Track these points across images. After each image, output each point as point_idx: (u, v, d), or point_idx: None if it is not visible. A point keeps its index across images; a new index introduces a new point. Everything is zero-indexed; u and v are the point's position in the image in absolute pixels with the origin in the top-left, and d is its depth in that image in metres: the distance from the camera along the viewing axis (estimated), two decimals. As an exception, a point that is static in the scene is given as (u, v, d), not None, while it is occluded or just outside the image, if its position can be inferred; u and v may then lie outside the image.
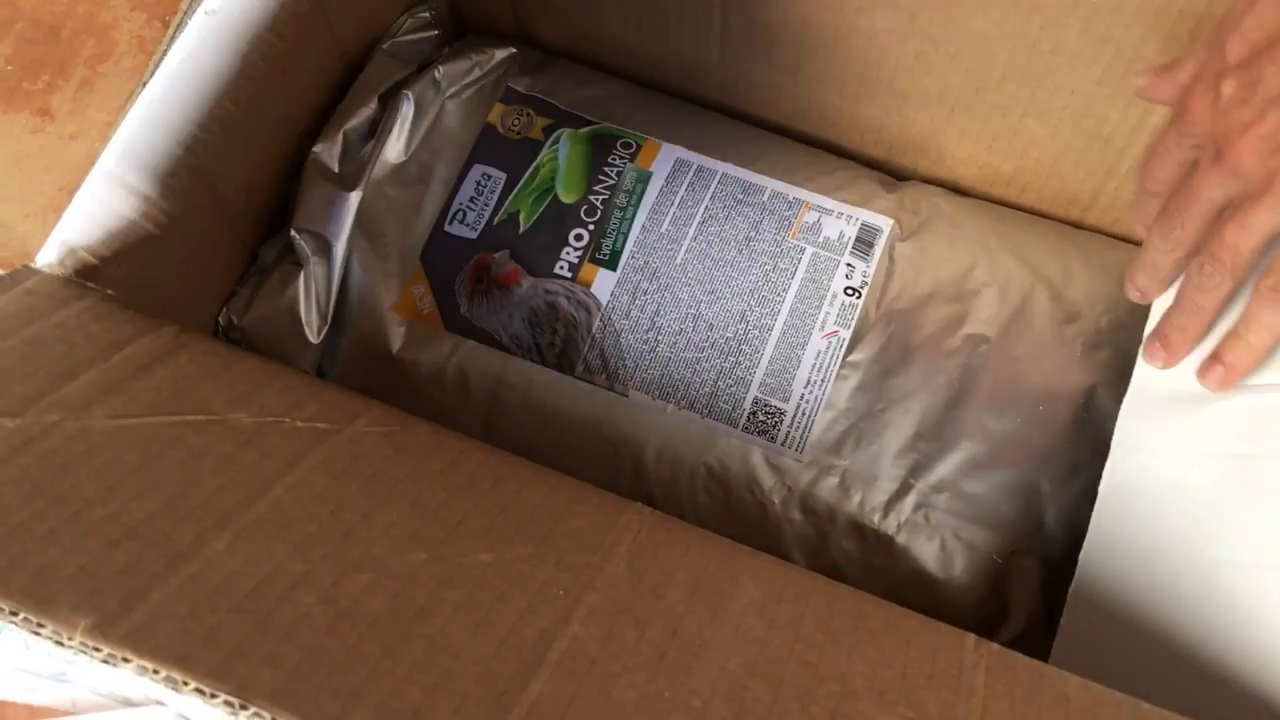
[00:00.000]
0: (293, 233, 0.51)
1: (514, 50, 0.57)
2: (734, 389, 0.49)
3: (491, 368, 0.50)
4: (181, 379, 0.34)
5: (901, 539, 0.47)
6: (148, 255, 0.43)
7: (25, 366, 0.32)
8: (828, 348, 0.50)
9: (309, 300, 0.50)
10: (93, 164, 0.41)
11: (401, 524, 0.30)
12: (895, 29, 0.49)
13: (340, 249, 0.51)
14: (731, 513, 0.49)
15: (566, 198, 0.53)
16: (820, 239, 0.52)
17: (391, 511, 0.31)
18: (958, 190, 0.57)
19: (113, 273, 0.40)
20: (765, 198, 0.53)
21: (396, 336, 0.51)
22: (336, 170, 0.52)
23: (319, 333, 0.51)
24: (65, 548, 0.27)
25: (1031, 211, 0.56)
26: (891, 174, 0.57)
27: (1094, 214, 0.55)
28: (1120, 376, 0.48)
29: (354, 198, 0.51)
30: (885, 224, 0.53)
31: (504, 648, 0.27)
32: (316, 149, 0.51)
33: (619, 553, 0.31)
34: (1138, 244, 0.54)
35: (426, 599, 0.28)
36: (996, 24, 0.47)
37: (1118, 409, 0.47)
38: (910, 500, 0.47)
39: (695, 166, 0.53)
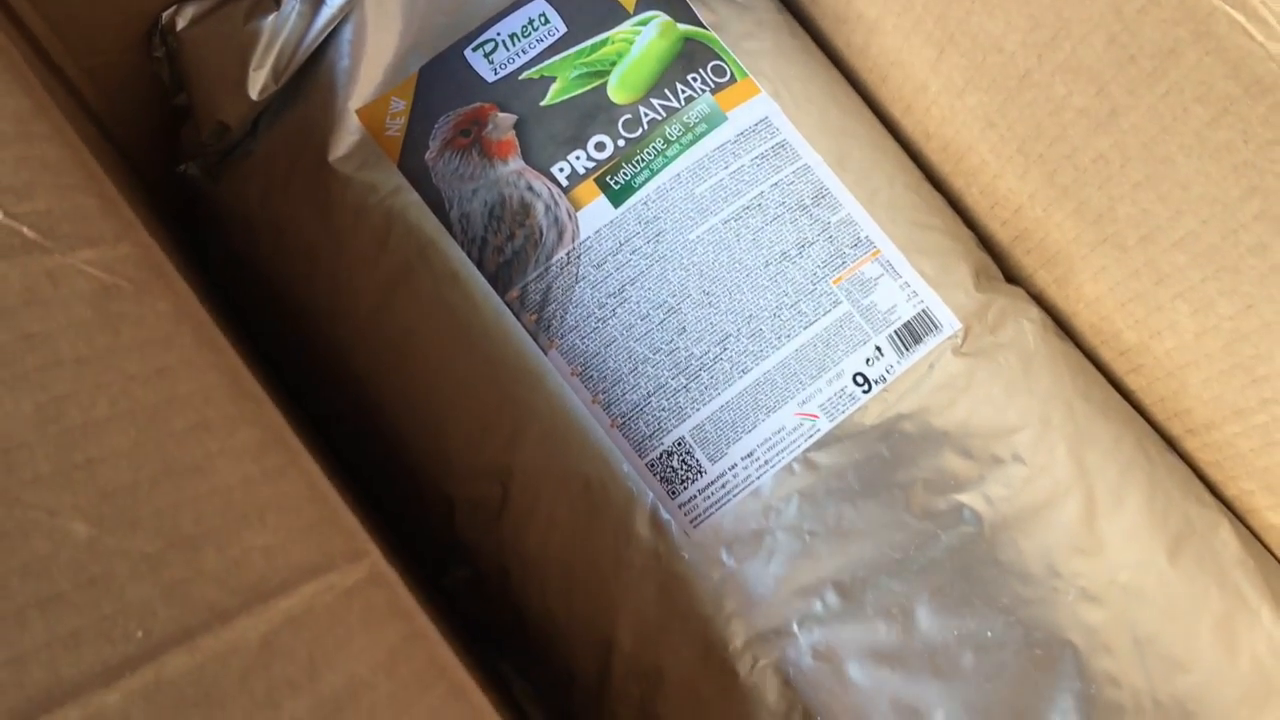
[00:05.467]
0: (290, -38, 0.40)
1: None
2: (663, 415, 0.39)
3: (420, 236, 0.40)
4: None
5: (743, 684, 0.38)
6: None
7: None
8: (794, 428, 0.39)
9: (268, 50, 0.40)
10: None
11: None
12: (1089, 113, 0.37)
13: (334, 7, 0.40)
14: (584, 543, 0.39)
15: (616, 95, 0.41)
16: (866, 301, 0.40)
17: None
18: (1063, 325, 0.45)
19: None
20: (835, 219, 0.41)
21: (343, 143, 0.41)
22: (382, -83, 0.41)
23: (261, 91, 0.41)
24: None
25: (1130, 397, 0.44)
26: (1004, 269, 0.46)
27: (1195, 441, 0.43)
28: (1107, 651, 0.38)
29: (379, -40, 0.40)
30: (950, 325, 0.41)
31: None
32: (372, -120, 0.41)
33: (271, 611, 0.22)
34: (1228, 504, 0.43)
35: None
36: (1209, 182, 0.34)
37: (1085, 692, 0.36)
38: (782, 648, 0.37)
39: (779, 140, 0.42)
